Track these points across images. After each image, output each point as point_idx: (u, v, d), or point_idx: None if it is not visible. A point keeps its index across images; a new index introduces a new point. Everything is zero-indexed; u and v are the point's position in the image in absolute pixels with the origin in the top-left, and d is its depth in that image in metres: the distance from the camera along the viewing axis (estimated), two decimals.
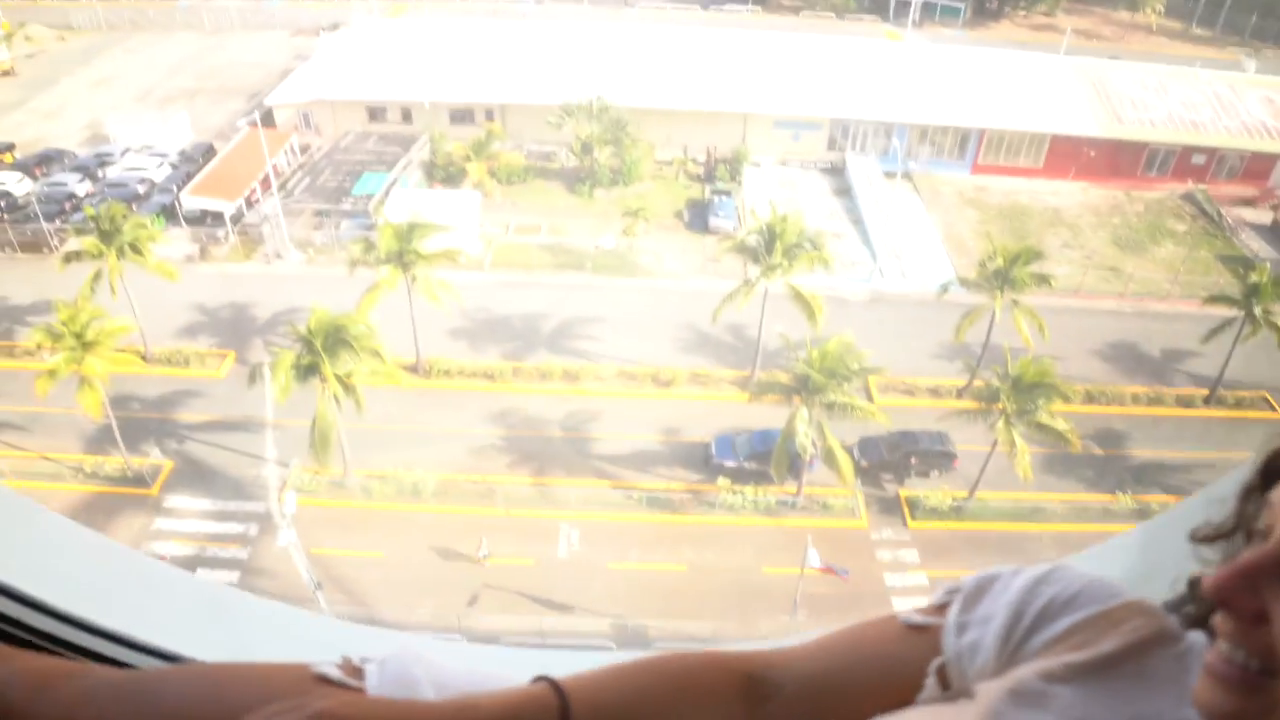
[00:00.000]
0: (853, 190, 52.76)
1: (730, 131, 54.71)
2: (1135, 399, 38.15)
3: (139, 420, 33.66)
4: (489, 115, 54.68)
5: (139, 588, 1.88)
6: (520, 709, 1.16)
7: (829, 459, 29.92)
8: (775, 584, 29.49)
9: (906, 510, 32.67)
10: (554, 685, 1.21)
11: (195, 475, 32.22)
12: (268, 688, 1.20)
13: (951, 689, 1.25)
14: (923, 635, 1.30)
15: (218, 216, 44.07)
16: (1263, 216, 52.64)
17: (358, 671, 1.26)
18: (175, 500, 31.37)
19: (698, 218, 49.32)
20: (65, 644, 1.52)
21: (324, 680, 1.24)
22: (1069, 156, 54.91)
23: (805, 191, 53.42)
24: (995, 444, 30.23)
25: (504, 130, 53.22)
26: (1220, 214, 52.43)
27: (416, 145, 51.47)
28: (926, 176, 54.76)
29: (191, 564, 29.09)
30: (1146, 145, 54.66)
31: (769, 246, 34.80)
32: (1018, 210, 52.90)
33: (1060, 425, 29.57)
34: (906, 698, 1.27)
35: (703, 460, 33.93)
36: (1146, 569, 1.87)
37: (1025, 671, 1.14)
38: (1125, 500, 33.05)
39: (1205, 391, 38.30)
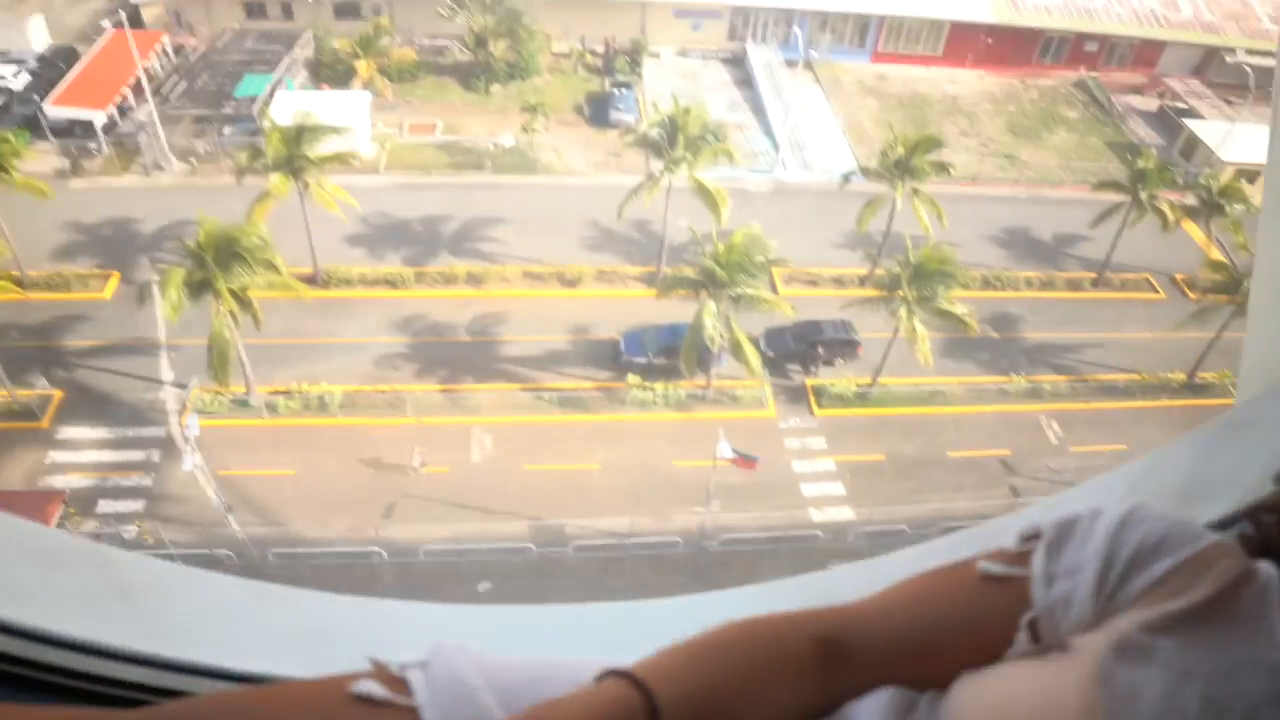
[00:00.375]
0: (754, 80, 52.22)
1: (629, 21, 53.23)
2: (1029, 283, 39.55)
3: (20, 350, 31.89)
4: (376, 9, 51.94)
5: (63, 577, 1.65)
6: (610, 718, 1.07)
7: (736, 351, 30.34)
8: (688, 476, 30.16)
9: (813, 399, 33.52)
10: (633, 680, 1.11)
11: (88, 404, 30.92)
12: (301, 716, 1.10)
13: (1043, 642, 1.18)
14: (1005, 586, 1.23)
15: (87, 127, 41.11)
16: (1150, 104, 54.20)
17: (399, 684, 1.13)
18: (69, 431, 30.10)
19: (598, 112, 48.34)
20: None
21: (364, 700, 1.11)
22: (967, 44, 55.18)
23: (706, 82, 52.69)
24: (897, 331, 31.03)
25: (393, 25, 50.70)
26: (1110, 101, 53.79)
27: (300, 43, 48.74)
28: (827, 65, 54.45)
29: (93, 496, 28.22)
30: (1042, 33, 55.26)
31: (671, 140, 34.41)
32: (917, 99, 53.25)
33: (959, 311, 30.49)
34: (991, 653, 1.21)
35: (612, 357, 34.08)
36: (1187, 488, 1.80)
37: (1125, 623, 1.08)
38: (1019, 381, 34.52)
39: (1093, 275, 39.89)
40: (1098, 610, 1.14)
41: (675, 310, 32.41)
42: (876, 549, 29.13)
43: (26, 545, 1.66)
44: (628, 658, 1.74)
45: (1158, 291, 40.21)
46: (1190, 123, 49.24)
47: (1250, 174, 43.21)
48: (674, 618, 1.88)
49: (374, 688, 1.12)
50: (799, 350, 34.22)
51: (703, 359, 31.80)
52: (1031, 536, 1.26)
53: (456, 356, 33.86)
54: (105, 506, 27.98)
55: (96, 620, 1.47)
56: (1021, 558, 1.24)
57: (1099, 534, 1.18)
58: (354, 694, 1.12)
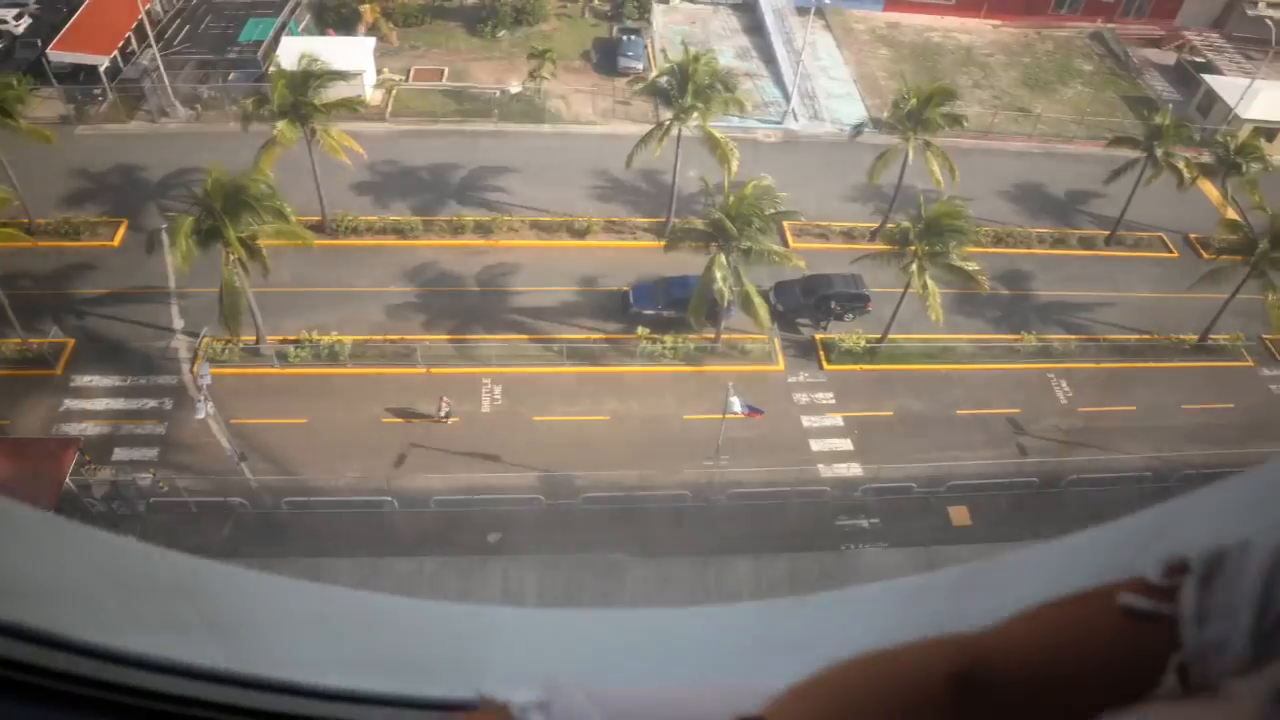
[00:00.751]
0: (764, 27, 51.39)
1: None
2: (1040, 240, 39.30)
3: (32, 297, 31.79)
4: None
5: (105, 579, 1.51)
6: None
7: (746, 305, 30.24)
8: (696, 429, 30.25)
9: (822, 353, 33.51)
10: None
11: (100, 351, 30.95)
12: None
13: (1192, 686, 1.11)
14: (1150, 623, 1.15)
15: (91, 72, 40.59)
16: (1167, 57, 53.29)
17: None
18: (83, 379, 30.19)
19: (606, 58, 47.68)
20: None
21: None
22: None
23: (716, 29, 51.95)
24: (908, 286, 30.89)
25: None
26: (1127, 54, 52.92)
27: None
28: (839, 13, 53.60)
29: (107, 443, 28.36)
30: None
31: (681, 88, 33.93)
32: (930, 49, 52.46)
33: (970, 268, 30.29)
34: (1132, 692, 1.13)
35: (621, 309, 34.00)
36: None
37: None
38: (1029, 339, 34.44)
39: (1106, 233, 39.59)
40: (1256, 654, 1.07)
41: (684, 262, 32.25)
42: (884, 506, 29.43)
43: (97, 557, 1.52)
44: (708, 667, 1.70)
45: (1171, 251, 39.94)
46: (1208, 78, 48.51)
47: (1269, 131, 42.79)
48: (748, 623, 1.80)
49: None
50: (809, 304, 34.13)
51: (712, 312, 31.73)
52: (1177, 569, 1.17)
53: (465, 306, 33.80)
54: (120, 454, 28.15)
55: (171, 636, 1.39)
56: (1168, 593, 1.16)
57: (1253, 570, 1.10)
58: None
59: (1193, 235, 40.33)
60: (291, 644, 1.53)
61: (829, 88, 47.77)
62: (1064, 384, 33.67)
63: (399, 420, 30.04)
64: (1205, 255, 38.70)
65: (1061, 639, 1.20)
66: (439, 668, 1.45)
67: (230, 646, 1.41)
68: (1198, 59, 51.84)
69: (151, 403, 29.73)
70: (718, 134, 33.74)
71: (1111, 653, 1.16)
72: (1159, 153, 36.13)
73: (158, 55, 39.94)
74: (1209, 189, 41.59)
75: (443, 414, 29.72)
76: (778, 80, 47.86)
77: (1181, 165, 36.31)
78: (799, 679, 1.14)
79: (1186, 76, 50.75)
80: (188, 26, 44.37)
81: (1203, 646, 1.10)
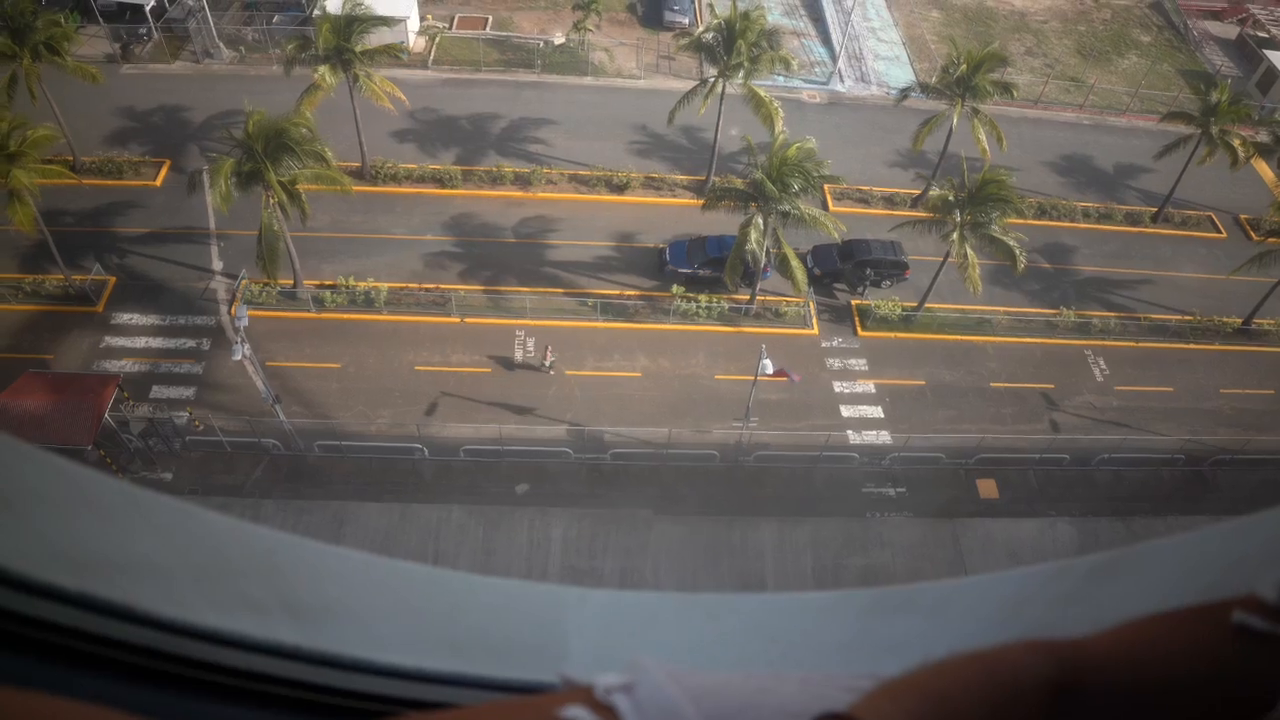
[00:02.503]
0: None
1: None
2: (1085, 214, 38.55)
3: (75, 235, 32.29)
4: None
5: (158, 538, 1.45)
6: None
7: (783, 267, 30.03)
8: (727, 390, 30.26)
9: (857, 319, 33.27)
10: None
11: (140, 290, 31.38)
12: None
13: None
14: (1265, 644, 1.09)
15: (138, 11, 40.68)
16: (1229, 31, 51.64)
17: (605, 710, 1.02)
18: (123, 317, 30.66)
19: (652, 12, 47.02)
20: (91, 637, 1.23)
21: None
22: None
23: None
24: (947, 255, 30.50)
25: None
26: (1187, 26, 51.35)
27: None
28: None
29: (146, 380, 28.84)
30: None
31: (728, 45, 33.45)
32: (983, 13, 51.22)
33: (1010, 242, 29.78)
34: (1241, 714, 1.09)
35: (657, 266, 33.89)
36: None
37: None
38: (1068, 315, 33.94)
39: (1154, 209, 38.74)
40: None
41: (723, 221, 32.02)
42: (911, 475, 29.35)
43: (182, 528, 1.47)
44: (796, 656, 1.66)
45: (1220, 231, 39.05)
46: (1271, 54, 47.00)
47: None
48: (840, 613, 1.76)
49: (582, 714, 1.02)
50: (846, 269, 33.82)
51: (748, 273, 31.54)
52: None
53: (502, 257, 33.84)
54: (158, 392, 28.63)
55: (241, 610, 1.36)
56: None
57: None
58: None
59: (1243, 216, 39.41)
60: (368, 622, 1.51)
61: (877, 49, 46.88)
62: (1101, 361, 33.23)
63: (514, 369, 30.50)
64: (1255, 237, 37.84)
65: (1168, 654, 1.15)
66: (519, 649, 1.43)
67: (305, 623, 1.40)
68: (1261, 34, 50.23)
69: (189, 342, 30.16)
70: (763, 93, 33.26)
71: (1221, 673, 1.11)
72: (1214, 130, 35.16)
73: None
74: (1264, 169, 40.60)
75: (546, 364, 29.95)
76: (825, 39, 47.05)
77: (1237, 144, 35.32)
78: (890, 676, 1.13)
79: (1248, 51, 49.22)
80: None
81: None
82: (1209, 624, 1.13)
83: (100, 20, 40.26)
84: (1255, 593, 1.13)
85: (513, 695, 1.34)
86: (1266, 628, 1.09)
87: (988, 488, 29.55)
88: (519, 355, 30.95)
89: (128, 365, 29.25)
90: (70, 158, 33.66)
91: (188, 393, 28.83)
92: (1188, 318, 34.62)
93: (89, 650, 1.19)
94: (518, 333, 31.52)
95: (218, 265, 32.39)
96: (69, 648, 1.18)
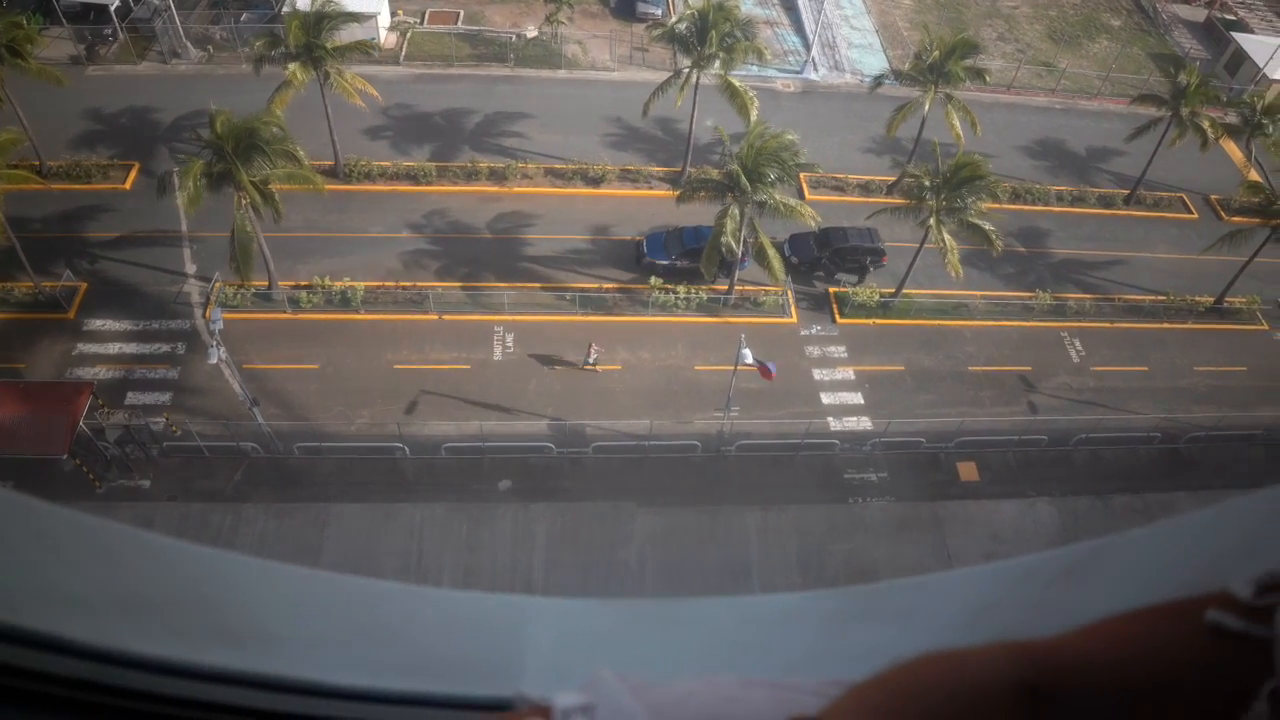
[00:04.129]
0: None
1: None
2: (1059, 198, 38.84)
3: (44, 240, 31.75)
4: None
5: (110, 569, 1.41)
6: None
7: (760, 257, 30.04)
8: (708, 380, 30.30)
9: (835, 307, 33.37)
10: None
11: (112, 295, 30.99)
12: None
13: None
14: (1239, 644, 1.07)
15: (101, 11, 40.10)
16: (1197, 14, 52.10)
17: None
18: (95, 323, 30.25)
19: (624, 3, 46.92)
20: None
21: None
22: None
23: None
24: (923, 241, 30.62)
25: None
26: (1156, 9, 51.76)
27: None
28: None
29: (120, 387, 28.52)
30: None
31: (701, 36, 33.37)
32: (955, 0, 51.36)
33: (986, 228, 29.94)
34: (1214, 714, 1.07)
35: (634, 259, 33.85)
36: None
37: None
38: (1044, 297, 34.18)
39: (1126, 191, 39.08)
40: None
41: (699, 212, 32.01)
42: (892, 460, 29.50)
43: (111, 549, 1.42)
44: (762, 661, 1.62)
45: (1191, 211, 39.45)
46: (1238, 36, 47.51)
47: None
48: (806, 614, 1.72)
49: None
50: (823, 257, 33.90)
51: (725, 263, 31.55)
52: (1270, 587, 1.09)
53: (478, 253, 33.68)
54: (133, 398, 28.31)
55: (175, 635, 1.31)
56: (1260, 613, 1.08)
57: None
58: None
59: (1214, 196, 39.83)
60: (313, 641, 1.45)
61: (850, 37, 46.98)
62: (1077, 343, 33.50)
63: (556, 366, 30.46)
64: (1225, 217, 38.26)
65: (1140, 653, 1.13)
66: (473, 664, 1.37)
67: (248, 646, 1.34)
68: (1228, 16, 50.70)
69: (164, 347, 29.83)
70: (737, 83, 33.23)
71: (1194, 673, 1.09)
72: (1184, 111, 35.47)
73: None
74: (1233, 150, 40.98)
75: (590, 360, 29.89)
76: (798, 28, 47.09)
77: (1206, 125, 35.63)
78: (859, 678, 1.10)
79: (1216, 34, 49.71)
80: None
81: None
82: (1181, 623, 1.11)
83: (64, 21, 39.54)
84: (1228, 589, 1.11)
85: (467, 714, 1.29)
86: (1240, 626, 1.07)
87: (968, 470, 29.76)
88: (497, 353, 30.83)
89: (101, 372, 28.89)
90: (36, 162, 33.15)
91: (164, 398, 28.53)
92: (1161, 298, 34.97)
93: (12, 685, 1.14)
94: (496, 328, 31.40)
95: (191, 268, 32.05)
96: None
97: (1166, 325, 34.40)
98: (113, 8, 40.01)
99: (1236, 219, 36.32)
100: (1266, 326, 34.99)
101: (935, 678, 1.11)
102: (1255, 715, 1.02)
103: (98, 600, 1.33)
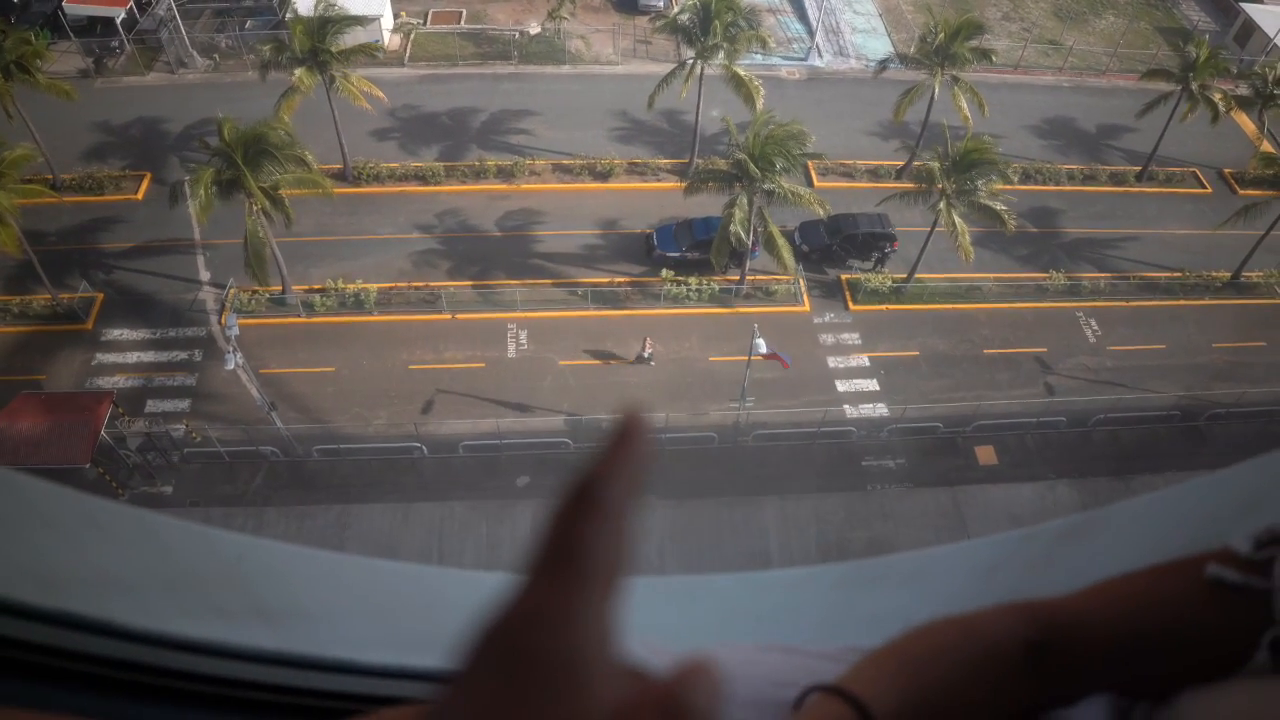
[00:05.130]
0: None
1: None
2: (1070, 177, 38.53)
3: (60, 253, 32.04)
4: None
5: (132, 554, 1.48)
6: None
7: (770, 246, 30.00)
8: (722, 371, 30.29)
9: (848, 294, 33.28)
10: (845, 697, 1.03)
11: (129, 305, 31.25)
12: None
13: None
14: (1239, 596, 1.11)
15: (108, 24, 40.27)
16: None
17: None
18: (112, 333, 30.51)
19: None
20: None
21: None
22: None
23: None
24: (934, 225, 30.49)
25: None
26: None
27: None
28: None
29: (140, 396, 28.76)
30: None
31: (704, 26, 33.30)
32: None
33: (998, 207, 29.81)
34: (1218, 666, 1.10)
35: (645, 252, 33.85)
36: None
37: None
38: (1058, 277, 33.98)
39: (1138, 168, 38.75)
40: None
41: (708, 203, 31.97)
42: (910, 446, 29.43)
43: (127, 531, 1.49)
44: (779, 632, 1.65)
45: (1204, 186, 39.06)
46: (1247, 6, 46.91)
47: None
48: (820, 587, 1.75)
49: None
50: (834, 244, 33.80)
51: (736, 253, 31.53)
52: (1269, 541, 1.12)
53: (489, 252, 33.76)
54: (153, 406, 28.56)
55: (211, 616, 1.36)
56: (1259, 566, 1.11)
57: None
58: None
59: (1227, 170, 39.42)
60: (343, 621, 1.50)
61: (854, 22, 46.75)
62: (1093, 322, 33.30)
63: (609, 361, 30.69)
64: (1239, 191, 37.88)
65: (1144, 610, 1.16)
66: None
67: (279, 626, 1.40)
68: None
69: (181, 354, 30.07)
70: (742, 72, 33.15)
71: (1197, 626, 1.12)
72: (1194, 85, 35.13)
73: (173, 4, 39.68)
74: (1245, 122, 40.59)
75: (646, 354, 30.04)
76: (801, 15, 46.89)
77: (1217, 98, 35.30)
78: (875, 646, 1.13)
79: (1224, 5, 49.12)
80: None
81: None
82: (1183, 579, 1.14)
83: (71, 35, 39.84)
84: (1228, 545, 1.14)
85: None
86: (1240, 580, 1.10)
87: (986, 454, 29.66)
88: (511, 350, 30.91)
89: (121, 381, 29.15)
90: (49, 176, 33.39)
91: (183, 405, 28.77)
92: (1177, 274, 34.68)
93: (64, 666, 1.18)
94: (509, 326, 31.48)
95: (205, 275, 32.27)
96: (43, 665, 1.17)
97: (1183, 302, 34.12)
98: (119, 20, 40.21)
99: (1250, 192, 35.93)
100: None
101: (944, 640, 1.14)
102: (1257, 664, 1.06)
103: (145, 583, 1.38)
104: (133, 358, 29.92)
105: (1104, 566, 1.24)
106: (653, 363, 30.39)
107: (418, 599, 1.62)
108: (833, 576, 1.65)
